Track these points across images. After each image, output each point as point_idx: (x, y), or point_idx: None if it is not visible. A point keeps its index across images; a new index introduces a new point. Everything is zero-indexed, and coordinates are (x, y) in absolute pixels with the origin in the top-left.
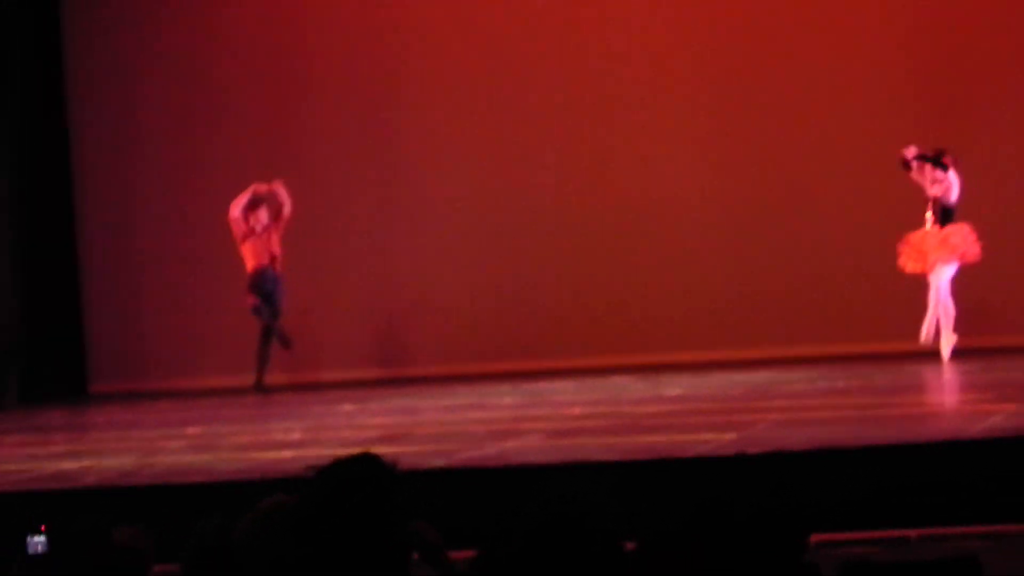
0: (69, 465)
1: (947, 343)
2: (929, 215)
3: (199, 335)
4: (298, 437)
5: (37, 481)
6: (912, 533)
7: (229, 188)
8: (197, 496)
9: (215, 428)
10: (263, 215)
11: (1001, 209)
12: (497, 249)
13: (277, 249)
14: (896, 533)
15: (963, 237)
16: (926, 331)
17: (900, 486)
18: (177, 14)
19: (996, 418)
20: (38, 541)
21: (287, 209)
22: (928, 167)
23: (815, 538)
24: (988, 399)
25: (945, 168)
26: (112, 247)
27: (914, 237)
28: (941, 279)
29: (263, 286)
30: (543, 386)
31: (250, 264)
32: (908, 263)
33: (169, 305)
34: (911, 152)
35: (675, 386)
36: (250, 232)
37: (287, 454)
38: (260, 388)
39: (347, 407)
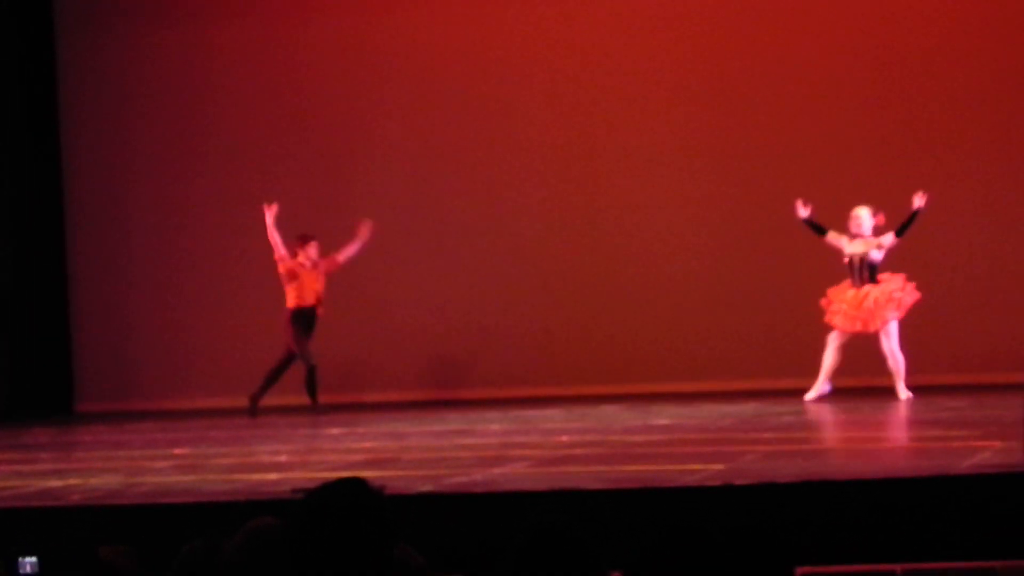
0: (54, 484)
1: (902, 393)
2: (852, 279)
3: (187, 356)
4: (285, 460)
5: (22, 499)
6: (898, 568)
7: (222, 208)
8: (183, 516)
9: (202, 449)
10: (312, 250)
11: (989, 248)
12: (487, 276)
13: (322, 289)
14: (882, 567)
15: (899, 286)
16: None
17: (887, 520)
18: (173, 35)
19: (983, 454)
20: (28, 562)
21: (343, 258)
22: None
23: (800, 571)
24: (975, 435)
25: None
26: (101, 266)
27: (851, 298)
28: (891, 337)
29: (304, 326)
30: (532, 413)
31: (292, 301)
32: (855, 324)
33: (157, 325)
34: (920, 198)
35: (664, 416)
36: (299, 268)
37: (273, 476)
38: (253, 407)
39: (334, 431)
